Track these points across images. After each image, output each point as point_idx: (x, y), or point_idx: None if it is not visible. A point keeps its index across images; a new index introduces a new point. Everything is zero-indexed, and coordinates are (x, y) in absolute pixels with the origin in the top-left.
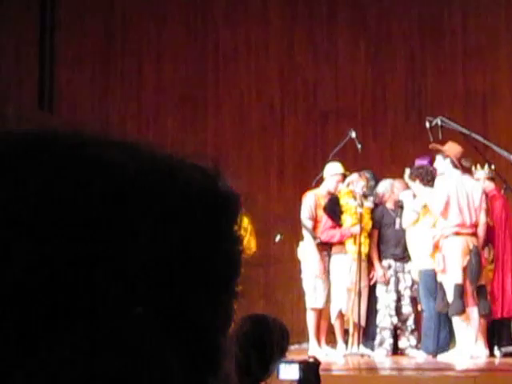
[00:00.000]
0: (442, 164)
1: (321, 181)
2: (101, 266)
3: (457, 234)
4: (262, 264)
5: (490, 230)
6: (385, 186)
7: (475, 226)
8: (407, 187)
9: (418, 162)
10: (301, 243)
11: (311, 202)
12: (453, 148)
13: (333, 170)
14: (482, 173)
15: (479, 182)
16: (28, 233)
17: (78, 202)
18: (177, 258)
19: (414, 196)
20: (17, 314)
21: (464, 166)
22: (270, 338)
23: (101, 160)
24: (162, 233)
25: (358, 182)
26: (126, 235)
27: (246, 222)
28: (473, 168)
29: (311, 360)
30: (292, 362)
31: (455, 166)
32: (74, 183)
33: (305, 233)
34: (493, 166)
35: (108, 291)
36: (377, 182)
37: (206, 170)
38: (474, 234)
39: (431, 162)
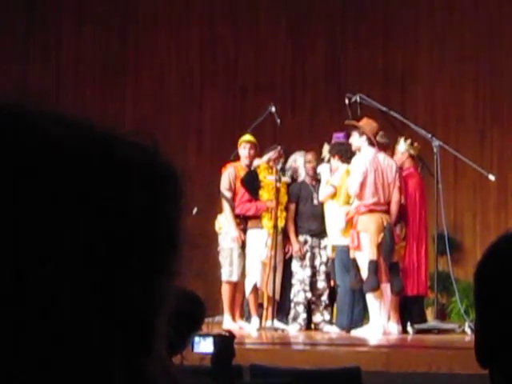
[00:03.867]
0: (357, 140)
1: (238, 155)
2: (31, 247)
3: (371, 211)
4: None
5: (402, 207)
6: (297, 159)
7: (388, 203)
8: (319, 159)
9: (335, 137)
10: (218, 216)
11: (231, 173)
12: (368, 125)
13: (241, 138)
14: (403, 146)
15: (394, 158)
16: None
17: (8, 177)
18: (111, 236)
19: (332, 170)
20: None
21: (380, 142)
22: (184, 311)
23: (37, 131)
24: (97, 210)
25: (278, 159)
26: (59, 213)
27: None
28: (399, 139)
29: (226, 334)
30: (207, 335)
31: (371, 143)
32: (5, 156)
33: (224, 205)
34: (416, 144)
35: (37, 271)
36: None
37: (145, 148)
38: (387, 212)
39: (347, 137)
